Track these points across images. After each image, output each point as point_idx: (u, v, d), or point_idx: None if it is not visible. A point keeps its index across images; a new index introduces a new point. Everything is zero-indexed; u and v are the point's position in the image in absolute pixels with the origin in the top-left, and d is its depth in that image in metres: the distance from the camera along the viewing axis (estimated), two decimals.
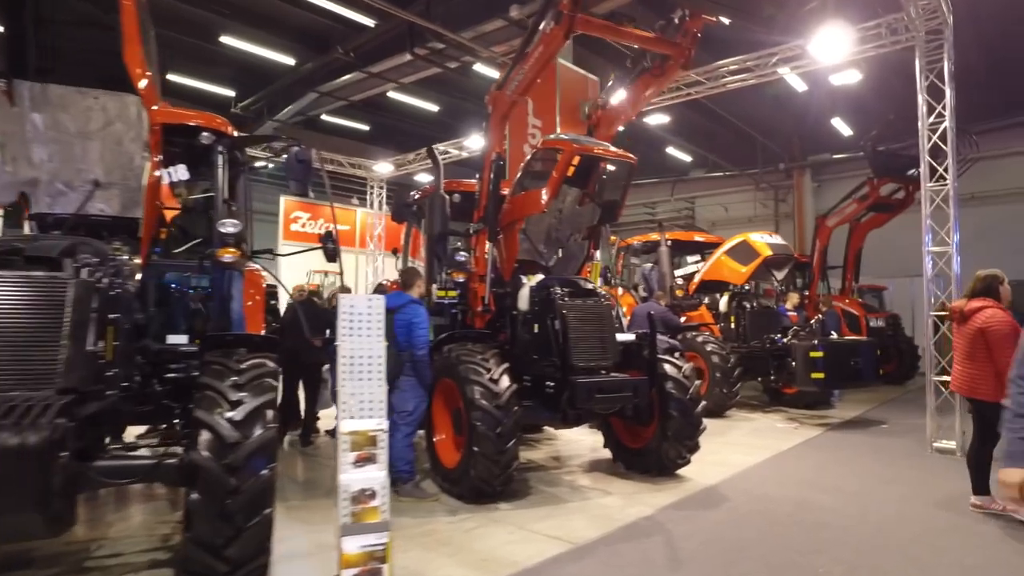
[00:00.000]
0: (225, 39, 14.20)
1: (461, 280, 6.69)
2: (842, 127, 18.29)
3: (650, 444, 6.30)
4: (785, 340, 9.97)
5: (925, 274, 7.80)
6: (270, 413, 3.62)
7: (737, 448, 7.79)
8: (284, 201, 17.35)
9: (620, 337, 6.63)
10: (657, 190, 24.89)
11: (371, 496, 3.72)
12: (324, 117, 19.66)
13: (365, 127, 20.92)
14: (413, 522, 5.05)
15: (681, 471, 6.39)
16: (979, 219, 18.22)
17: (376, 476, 3.75)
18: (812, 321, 10.29)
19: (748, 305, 10.78)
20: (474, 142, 15.38)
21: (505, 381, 5.40)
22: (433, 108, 18.87)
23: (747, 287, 12.33)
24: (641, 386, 5.84)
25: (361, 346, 3.95)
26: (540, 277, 6.58)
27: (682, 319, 11.20)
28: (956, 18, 7.81)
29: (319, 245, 6.19)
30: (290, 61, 15.64)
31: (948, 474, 6.54)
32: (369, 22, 13.81)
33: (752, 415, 10.40)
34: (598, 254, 7.42)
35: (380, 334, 4.02)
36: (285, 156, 5.31)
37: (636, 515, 5.17)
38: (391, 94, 17.49)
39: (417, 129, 20.02)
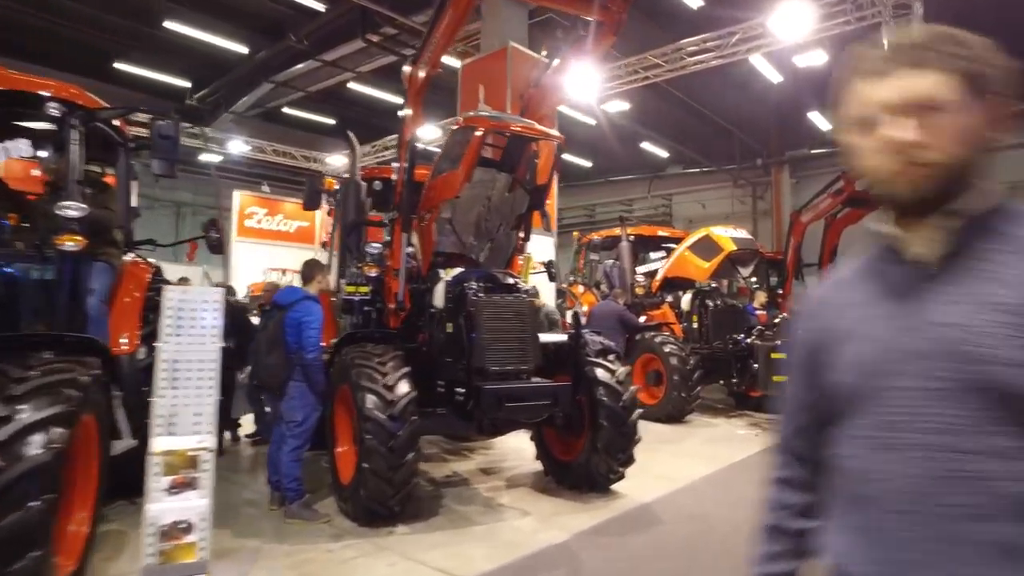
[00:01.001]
0: (169, 24, 13.46)
1: (374, 275, 6.01)
2: (820, 121, 17.74)
3: (580, 457, 5.65)
4: (749, 340, 9.37)
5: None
6: (57, 431, 2.93)
7: (687, 458, 7.16)
8: (239, 196, 16.61)
9: (547, 338, 6.01)
10: (634, 187, 24.31)
11: (186, 530, 3.05)
12: (286, 110, 18.97)
13: (330, 120, 20.21)
14: (289, 549, 4.38)
15: (617, 486, 5.74)
16: None
17: (195, 506, 3.09)
18: (777, 320, 9.66)
19: (711, 303, 10.15)
20: (432, 132, 14.74)
21: (403, 387, 4.73)
22: (397, 100, 18.15)
23: (712, 284, 11.74)
24: (562, 393, 5.18)
25: (186, 348, 3.27)
26: (458, 271, 5.91)
27: (642, 318, 10.59)
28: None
29: (202, 235, 5.57)
30: (243, 49, 14.93)
31: None
32: (320, 7, 13.15)
33: (715, 420, 9.77)
34: (529, 246, 6.73)
35: (215, 334, 3.35)
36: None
37: (547, 541, 4.51)
38: (353, 86, 16.84)
39: (384, 122, 19.33)
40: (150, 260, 6.31)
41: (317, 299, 5.39)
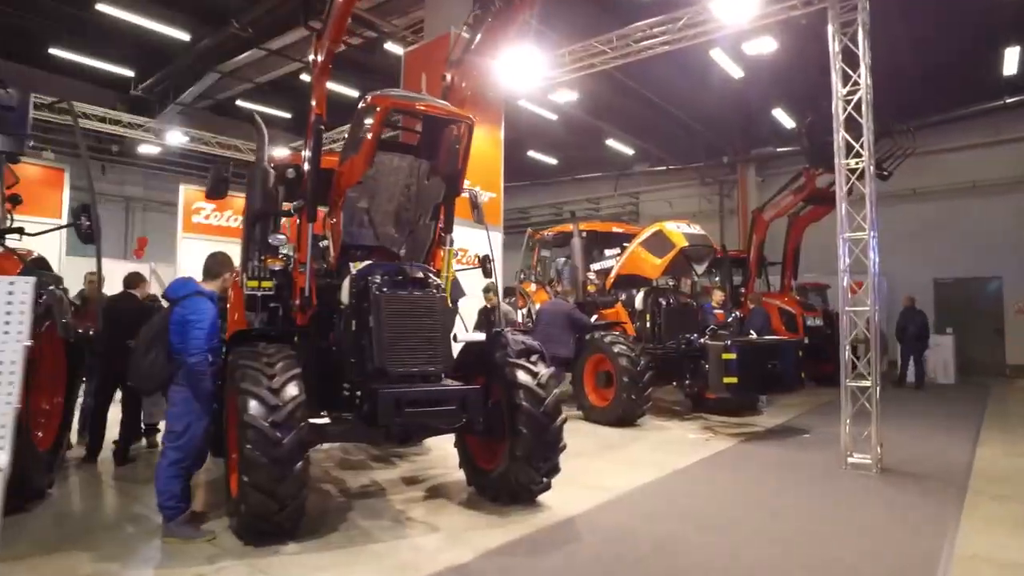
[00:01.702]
0: (103, 7, 12.71)
1: (279, 269, 5.48)
2: (783, 118, 17.51)
3: (499, 466, 5.18)
4: (702, 340, 8.98)
5: (841, 262, 6.83)
6: None
7: (629, 465, 6.72)
8: (183, 191, 15.86)
9: (468, 337, 5.55)
10: (600, 185, 23.96)
11: None
12: (240, 103, 18.26)
13: (286, 114, 19.52)
14: (153, 574, 3.86)
15: (542, 498, 5.28)
16: (919, 215, 17.69)
17: None
18: (730, 319, 9.29)
19: (664, 302, 9.75)
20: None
21: (291, 391, 4.22)
22: (353, 92, 17.57)
23: (671, 282, 11.36)
24: (472, 397, 4.72)
25: None
26: (367, 263, 5.40)
27: (594, 318, 10.17)
28: (887, 15, 6.93)
29: (71, 222, 5.01)
30: (185, 36, 14.22)
31: (856, 497, 5.57)
32: None
33: (668, 424, 9.37)
34: (471, 239, 6.24)
35: (17, 332, 2.82)
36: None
37: (448, 562, 4.02)
38: (307, 77, 16.18)
39: (341, 115, 18.67)
40: (34, 251, 5.77)
41: (212, 296, 4.86)
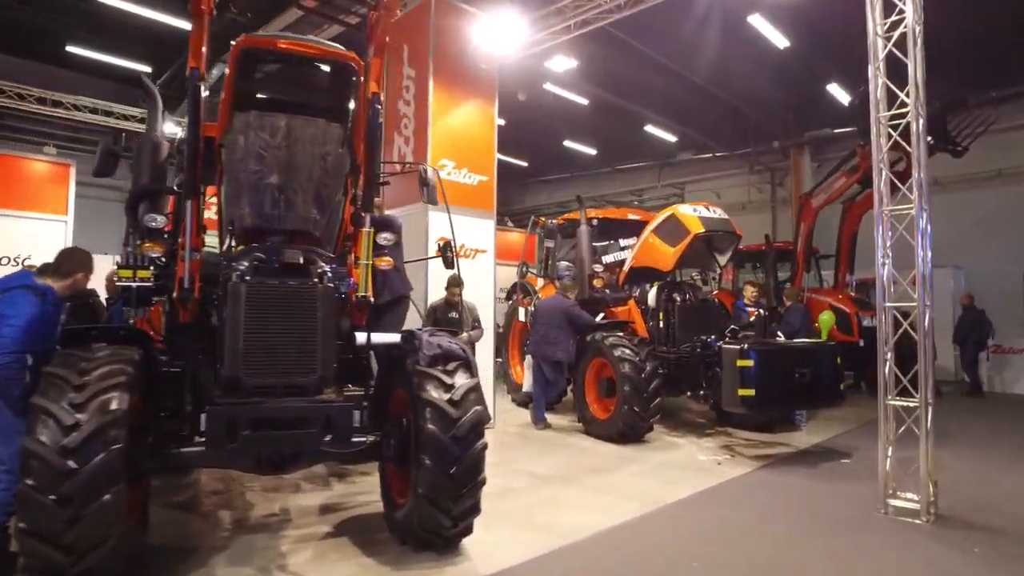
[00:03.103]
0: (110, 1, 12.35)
1: (156, 255, 4.53)
2: (839, 94, 15.62)
3: (405, 505, 4.08)
4: (721, 343, 7.59)
5: (878, 245, 5.36)
6: None
7: (606, 498, 5.47)
8: None
9: (377, 338, 4.45)
10: (642, 175, 22.44)
11: None
12: None
13: None
14: None
15: (469, 541, 4.15)
16: (1005, 199, 15.47)
17: None
18: (752, 317, 7.84)
19: (679, 298, 8.38)
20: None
21: (103, 405, 3.22)
22: None
23: (694, 275, 9.95)
24: (340, 416, 3.63)
25: None
26: (249, 248, 4.39)
27: (599, 316, 8.89)
28: None
29: None
30: (189, 27, 13.69)
31: (895, 560, 4.16)
32: None
33: (680, 440, 8.00)
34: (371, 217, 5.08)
35: None
36: None
37: None
38: None
39: None
40: None
41: (47, 292, 3.97)
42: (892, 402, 5.11)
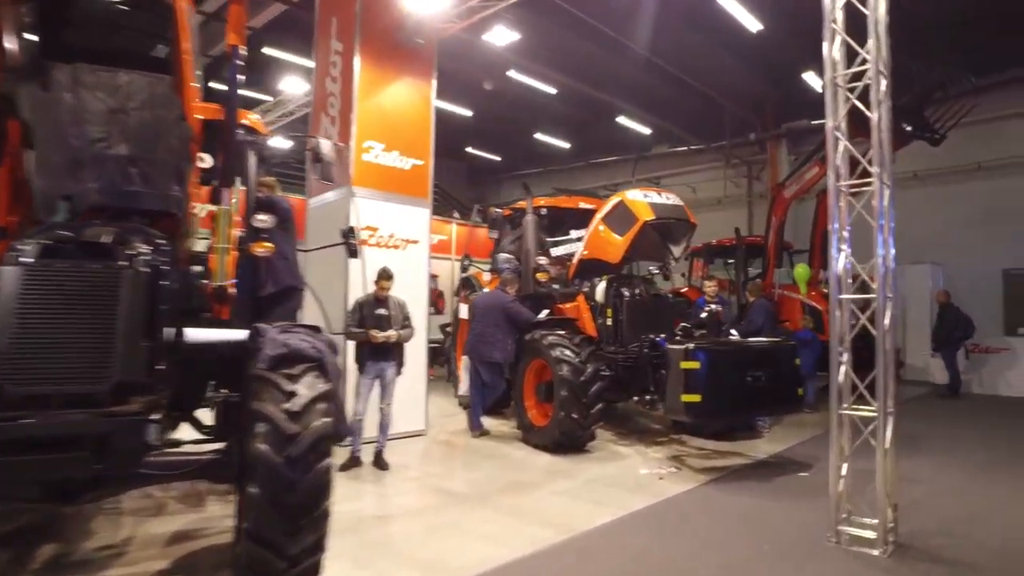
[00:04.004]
0: None
1: None
2: (816, 82, 14.93)
3: (239, 541, 3.29)
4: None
5: (834, 226, 4.64)
6: None
7: (518, 521, 4.70)
8: None
9: (210, 336, 3.64)
10: (618, 169, 21.66)
11: None
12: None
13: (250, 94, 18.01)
14: None
15: None
16: (985, 194, 14.87)
17: None
18: (705, 311, 7.09)
19: (627, 293, 7.63)
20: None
21: None
22: (303, 61, 15.78)
23: (652, 269, 9.23)
24: (122, 433, 2.83)
25: None
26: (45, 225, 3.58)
27: (543, 313, 8.12)
28: None
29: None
30: None
31: None
32: None
33: (626, 450, 7.26)
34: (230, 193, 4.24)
35: None
36: None
37: None
38: (271, 50, 14.61)
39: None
40: None
41: None
42: (846, 412, 4.37)
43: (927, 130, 10.99)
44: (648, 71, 15.24)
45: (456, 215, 16.30)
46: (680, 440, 7.68)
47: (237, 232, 4.56)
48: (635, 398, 7.11)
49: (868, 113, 4.42)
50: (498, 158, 23.98)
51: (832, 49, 4.59)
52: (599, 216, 7.84)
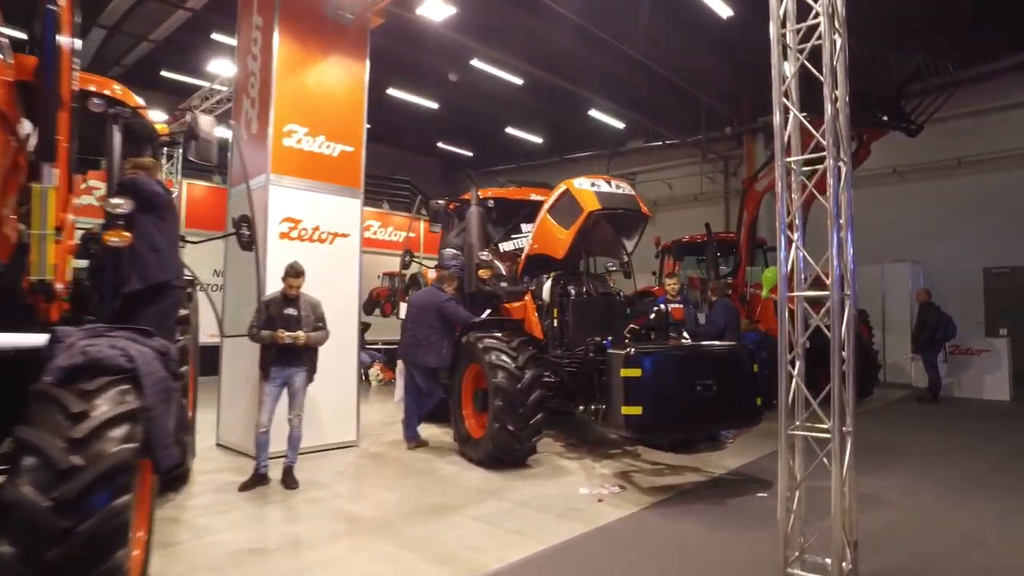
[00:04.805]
0: None
1: None
2: None
3: None
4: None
5: (781, 210, 3.97)
6: None
7: (411, 557, 3.98)
8: None
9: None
10: (592, 165, 21.00)
11: None
12: (166, 73, 15.99)
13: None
14: None
15: None
16: (966, 190, 14.37)
17: None
18: (655, 311, 6.41)
19: (574, 291, 6.94)
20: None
21: None
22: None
23: (609, 266, 8.59)
24: None
25: None
26: None
27: (486, 313, 7.43)
28: None
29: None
30: None
31: None
32: None
33: (573, 464, 6.57)
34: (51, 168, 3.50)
35: None
36: None
37: None
38: (220, 36, 13.81)
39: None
40: None
41: None
42: (795, 432, 3.70)
43: (904, 120, 10.43)
44: (619, 61, 14.60)
45: (423, 212, 15.56)
46: (634, 453, 7.00)
47: (72, 218, 3.87)
48: (580, 408, 6.41)
49: (819, 76, 3.75)
50: (470, 154, 23.27)
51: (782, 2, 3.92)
52: (545, 207, 7.15)
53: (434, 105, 17.79)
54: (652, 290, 11.95)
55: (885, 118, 10.41)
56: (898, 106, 10.51)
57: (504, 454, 6.12)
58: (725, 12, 11.92)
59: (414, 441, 7.23)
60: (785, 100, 3.87)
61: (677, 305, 8.35)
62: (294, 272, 5.73)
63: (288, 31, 7.01)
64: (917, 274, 14.09)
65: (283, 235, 6.91)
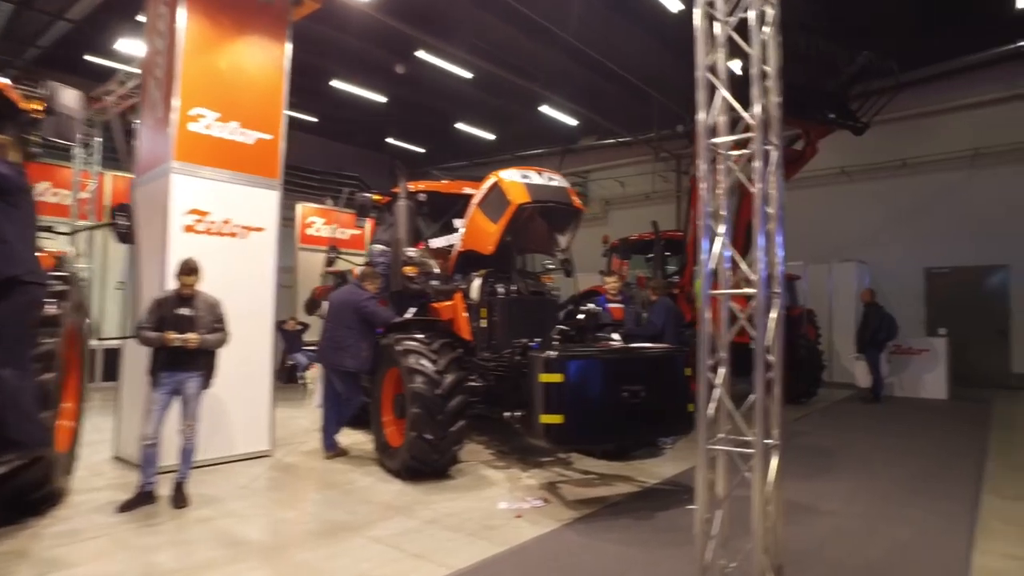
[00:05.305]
0: None
1: None
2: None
3: None
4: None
5: (704, 195, 3.64)
6: None
7: None
8: None
9: None
10: (545, 163, 20.53)
11: None
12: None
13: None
14: None
15: None
16: (909, 191, 14.49)
17: None
18: (584, 311, 6.05)
19: (503, 290, 6.53)
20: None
21: None
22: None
23: (547, 263, 8.21)
24: None
25: None
26: None
27: (410, 312, 6.97)
28: None
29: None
30: None
31: None
32: None
33: (499, 474, 6.17)
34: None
35: None
36: None
37: None
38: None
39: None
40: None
41: None
42: (715, 447, 3.35)
43: (850, 118, 10.36)
44: (568, 56, 14.29)
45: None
46: (566, 461, 6.63)
47: None
48: (507, 415, 5.98)
49: (746, 48, 3.42)
50: (422, 150, 22.73)
51: None
52: (475, 200, 6.73)
53: (382, 99, 17.19)
54: (600, 289, 11.67)
55: (832, 115, 10.33)
56: (844, 103, 10.44)
57: (422, 465, 5.67)
58: (676, 6, 11.68)
59: (332, 450, 6.73)
60: (710, 75, 3.52)
61: (617, 305, 8.05)
62: (187, 269, 5.18)
63: (197, 7, 6.43)
64: (864, 274, 14.14)
65: (188, 228, 6.33)
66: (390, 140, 22.08)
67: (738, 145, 3.50)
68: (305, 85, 17.07)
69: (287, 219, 15.81)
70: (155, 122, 6.60)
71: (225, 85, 6.62)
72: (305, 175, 19.27)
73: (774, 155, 3.45)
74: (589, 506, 5.12)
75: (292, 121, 19.63)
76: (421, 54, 14.20)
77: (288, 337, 12.20)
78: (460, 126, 19.64)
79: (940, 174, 13.99)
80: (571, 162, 20.41)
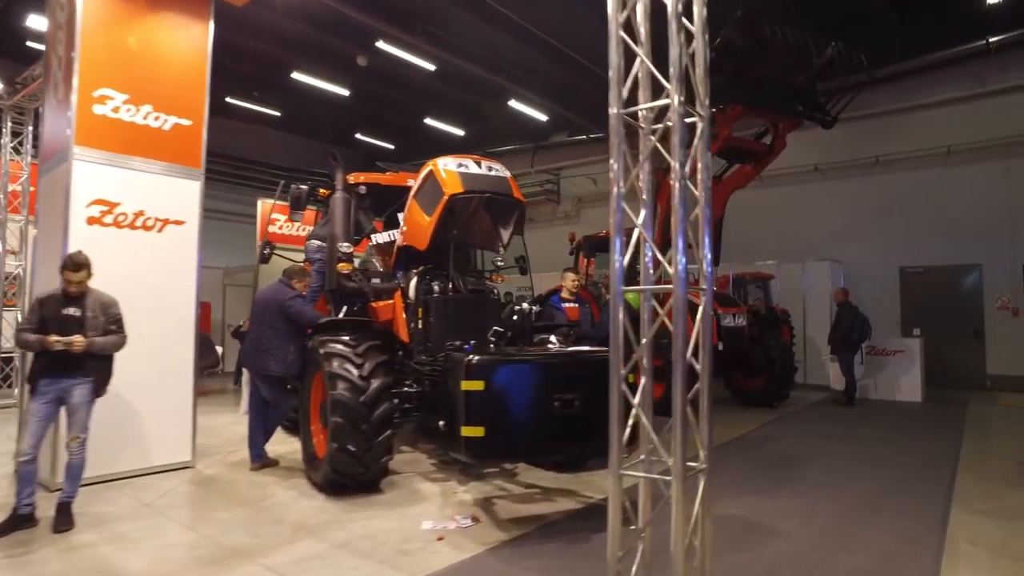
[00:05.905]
0: None
1: None
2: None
3: None
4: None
5: (615, 178, 3.20)
6: None
7: None
8: None
9: None
10: (516, 159, 20.23)
11: None
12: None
13: None
14: None
15: None
16: (883, 189, 14.18)
17: None
18: (517, 310, 5.57)
19: (438, 288, 6.04)
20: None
21: None
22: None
23: (498, 261, 7.76)
24: None
25: None
26: None
27: (342, 313, 6.46)
28: None
29: None
30: None
31: None
32: None
33: (434, 487, 5.68)
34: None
35: None
36: None
37: None
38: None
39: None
40: None
41: None
42: (628, 472, 2.90)
43: (819, 111, 10.02)
44: (536, 49, 13.82)
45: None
46: (512, 473, 6.16)
47: None
48: (440, 422, 5.47)
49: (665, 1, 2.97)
50: (391, 146, 22.17)
51: None
52: (412, 191, 6.24)
53: (344, 92, 16.64)
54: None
55: (800, 108, 9.98)
56: (812, 96, 10.10)
57: (344, 479, 5.17)
58: None
59: (259, 461, 6.21)
60: (623, 33, 3.06)
61: (572, 305, 7.60)
62: (73, 264, 4.64)
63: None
64: (838, 274, 13.82)
65: (93, 220, 5.78)
66: (359, 136, 21.51)
67: (660, 118, 3.03)
68: (265, 77, 16.63)
69: (248, 216, 15.35)
70: (56, 103, 6.05)
71: (135, 65, 6.07)
72: (269, 171, 18.70)
73: (700, 127, 2.98)
74: (522, 526, 4.65)
75: (253, 115, 19.07)
76: (381, 44, 13.67)
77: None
78: (429, 121, 19.11)
79: (914, 172, 13.70)
80: (543, 159, 19.98)
